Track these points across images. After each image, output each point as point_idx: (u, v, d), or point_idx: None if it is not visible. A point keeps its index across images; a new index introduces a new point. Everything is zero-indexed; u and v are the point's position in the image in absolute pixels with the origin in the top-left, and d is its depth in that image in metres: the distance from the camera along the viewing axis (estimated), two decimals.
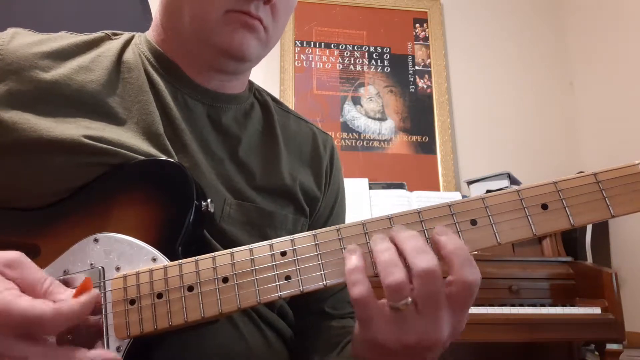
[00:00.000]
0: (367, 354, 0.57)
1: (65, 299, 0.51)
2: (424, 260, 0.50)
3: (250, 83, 0.87)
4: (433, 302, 0.50)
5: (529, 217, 0.55)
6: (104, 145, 0.64)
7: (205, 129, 0.75)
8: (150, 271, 0.58)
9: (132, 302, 0.57)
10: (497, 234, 0.55)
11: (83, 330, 0.56)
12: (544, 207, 0.55)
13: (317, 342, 0.78)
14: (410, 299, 0.50)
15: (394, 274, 0.50)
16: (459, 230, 0.55)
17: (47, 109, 0.66)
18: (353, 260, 0.53)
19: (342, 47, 2.57)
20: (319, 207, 0.84)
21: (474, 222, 0.56)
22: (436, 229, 0.54)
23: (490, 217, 0.56)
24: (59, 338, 0.54)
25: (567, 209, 0.55)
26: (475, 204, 0.56)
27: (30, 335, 0.49)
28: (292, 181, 0.79)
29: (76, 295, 0.52)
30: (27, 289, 0.51)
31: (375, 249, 0.53)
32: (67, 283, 0.59)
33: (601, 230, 2.20)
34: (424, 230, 0.56)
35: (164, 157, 0.67)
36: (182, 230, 0.62)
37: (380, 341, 0.52)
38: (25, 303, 0.48)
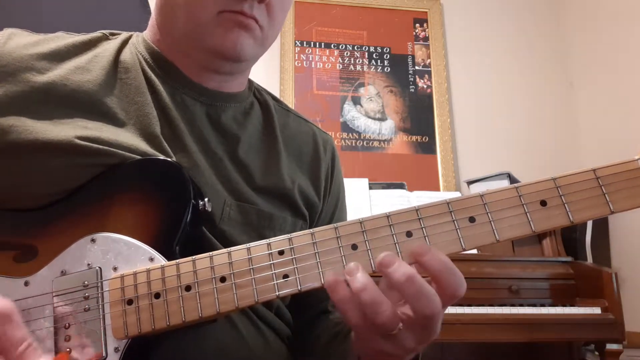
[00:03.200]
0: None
1: None
2: (428, 306, 0.50)
3: (250, 82, 0.86)
4: (432, 328, 0.53)
5: (527, 214, 0.55)
6: (100, 146, 0.64)
7: (204, 129, 0.75)
8: (148, 271, 0.57)
9: (130, 302, 0.57)
10: (496, 231, 0.55)
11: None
12: (543, 203, 0.55)
13: (321, 333, 0.78)
14: (401, 324, 0.52)
15: (382, 314, 0.50)
16: (457, 227, 0.55)
17: (44, 110, 0.65)
18: (340, 293, 0.52)
19: (342, 47, 2.57)
20: (319, 213, 0.84)
21: (472, 220, 0.55)
22: (413, 246, 0.53)
23: (488, 214, 0.55)
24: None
25: (566, 205, 0.55)
26: (473, 201, 0.56)
27: None
28: (292, 184, 0.79)
29: None
30: (4, 347, 0.50)
31: (354, 287, 0.51)
32: (65, 283, 0.59)
33: (601, 230, 2.20)
34: (422, 228, 0.55)
35: (161, 157, 0.67)
36: (180, 229, 0.61)
37: (386, 351, 0.54)
38: None
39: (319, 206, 0.83)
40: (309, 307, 0.81)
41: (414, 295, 0.50)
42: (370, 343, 0.54)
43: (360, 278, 0.51)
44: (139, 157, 0.65)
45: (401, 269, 0.51)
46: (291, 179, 0.79)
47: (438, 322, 0.53)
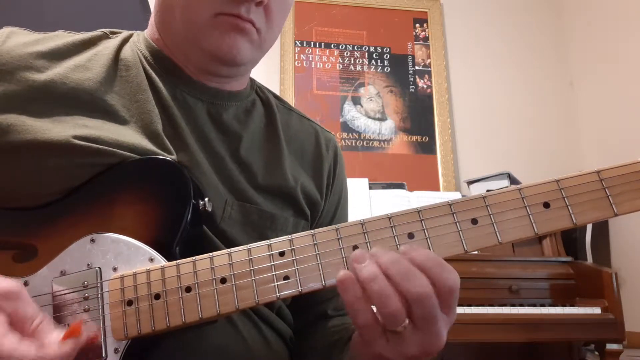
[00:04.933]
0: None
1: (50, 343, 0.50)
2: (416, 285, 0.49)
3: (252, 80, 0.86)
4: (431, 320, 0.51)
5: (530, 215, 0.54)
6: (100, 146, 0.63)
7: (205, 127, 0.74)
8: (148, 272, 0.57)
9: (130, 303, 0.57)
10: (498, 233, 0.54)
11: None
12: (546, 205, 0.55)
13: (318, 343, 0.77)
14: (407, 321, 0.50)
15: (390, 306, 0.49)
16: (459, 229, 0.55)
17: (43, 109, 0.65)
18: (351, 291, 0.51)
19: (342, 47, 2.57)
20: (321, 211, 0.83)
21: (474, 221, 0.55)
22: (400, 248, 0.53)
23: (491, 215, 0.55)
24: None
25: (569, 207, 0.54)
26: (476, 203, 0.55)
27: None
28: (294, 183, 0.78)
29: (64, 339, 0.51)
30: (18, 323, 0.50)
31: (362, 276, 0.50)
32: (65, 284, 0.58)
33: (601, 230, 2.20)
34: (424, 230, 0.55)
35: (160, 156, 0.66)
36: (180, 229, 0.61)
37: (385, 356, 0.52)
38: (10, 344, 0.48)
39: (321, 204, 0.82)
40: (308, 308, 0.81)
41: (403, 275, 0.50)
42: (373, 345, 0.53)
43: (369, 267, 0.51)
44: (138, 156, 0.65)
45: (388, 254, 0.51)
46: (294, 178, 0.78)
47: (438, 322, 0.51)
